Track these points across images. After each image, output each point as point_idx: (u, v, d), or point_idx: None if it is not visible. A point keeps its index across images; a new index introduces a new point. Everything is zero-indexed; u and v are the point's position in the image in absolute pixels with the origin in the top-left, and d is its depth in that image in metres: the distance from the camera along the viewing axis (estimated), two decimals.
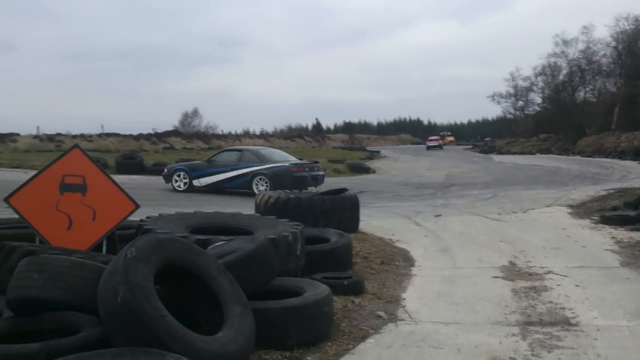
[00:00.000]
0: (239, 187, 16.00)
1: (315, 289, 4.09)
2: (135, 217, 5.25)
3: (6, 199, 4.72)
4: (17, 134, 38.06)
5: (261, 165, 15.99)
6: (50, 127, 45.69)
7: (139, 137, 45.26)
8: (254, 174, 15.78)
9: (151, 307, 2.84)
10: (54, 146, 37.04)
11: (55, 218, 4.81)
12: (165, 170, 17.31)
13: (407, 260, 6.90)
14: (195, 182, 16.41)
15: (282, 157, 17.00)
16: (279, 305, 3.80)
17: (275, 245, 4.56)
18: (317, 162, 17.91)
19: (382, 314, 4.70)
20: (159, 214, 5.36)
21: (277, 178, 15.32)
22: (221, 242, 4.46)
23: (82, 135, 40.52)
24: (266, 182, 15.49)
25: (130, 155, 23.90)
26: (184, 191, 16.15)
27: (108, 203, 5.02)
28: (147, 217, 5.02)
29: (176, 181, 16.55)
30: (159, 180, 17.34)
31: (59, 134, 39.73)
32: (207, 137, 53.27)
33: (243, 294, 3.48)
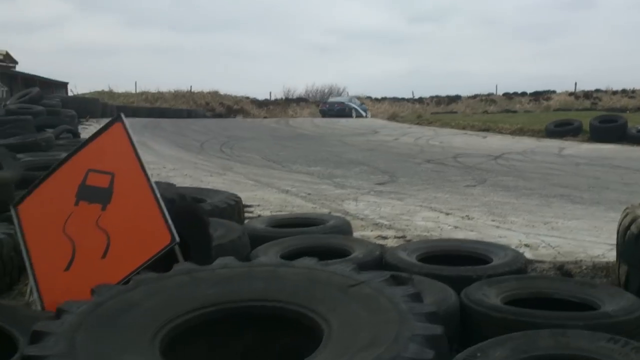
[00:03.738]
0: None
1: None
2: None
3: (14, 205, 2.93)
4: (554, 92, 36.37)
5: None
6: (590, 84, 41.94)
7: None
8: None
9: None
10: (589, 104, 33.82)
11: (58, 247, 2.73)
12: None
13: None
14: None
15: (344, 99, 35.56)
16: None
17: None
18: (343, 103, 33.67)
19: None
20: None
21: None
22: None
23: (623, 91, 35.40)
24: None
25: (611, 117, 17.25)
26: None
27: (132, 228, 2.62)
28: None
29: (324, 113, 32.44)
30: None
31: (597, 90, 35.94)
32: None
33: None
